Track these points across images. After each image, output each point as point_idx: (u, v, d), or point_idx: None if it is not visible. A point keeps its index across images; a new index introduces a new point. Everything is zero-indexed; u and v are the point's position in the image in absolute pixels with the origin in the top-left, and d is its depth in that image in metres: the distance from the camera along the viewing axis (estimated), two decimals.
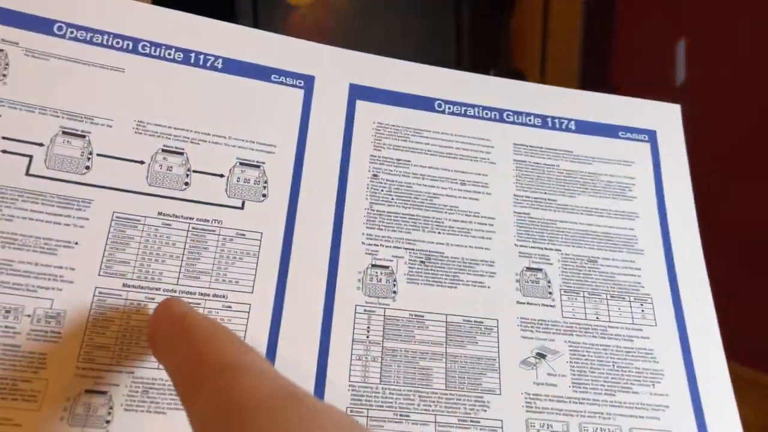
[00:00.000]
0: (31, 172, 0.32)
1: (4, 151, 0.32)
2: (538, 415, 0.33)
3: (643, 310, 0.37)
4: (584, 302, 0.36)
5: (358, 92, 0.39)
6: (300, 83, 0.38)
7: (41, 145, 0.33)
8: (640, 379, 0.35)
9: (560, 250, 0.38)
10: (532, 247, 0.37)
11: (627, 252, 0.38)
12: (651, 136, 0.42)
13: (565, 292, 0.36)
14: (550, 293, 0.36)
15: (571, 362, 0.34)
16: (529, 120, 0.41)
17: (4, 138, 0.32)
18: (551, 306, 0.36)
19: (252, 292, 0.33)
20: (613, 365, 0.35)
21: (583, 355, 0.35)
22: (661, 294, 0.37)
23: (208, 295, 0.33)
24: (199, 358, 0.24)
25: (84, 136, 0.34)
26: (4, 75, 0.33)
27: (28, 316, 0.30)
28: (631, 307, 0.37)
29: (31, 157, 0.33)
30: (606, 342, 0.35)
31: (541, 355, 0.34)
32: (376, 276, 0.35)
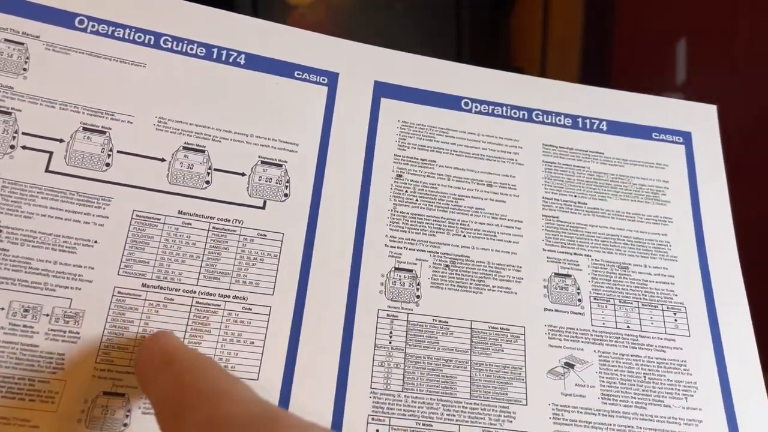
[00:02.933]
0: (50, 168, 0.32)
1: (24, 147, 0.32)
2: (566, 427, 0.32)
3: (676, 320, 0.35)
4: (615, 310, 0.35)
5: (382, 90, 0.38)
6: (324, 80, 0.37)
7: (61, 141, 0.33)
8: (672, 391, 0.33)
9: (590, 256, 0.36)
10: (560, 251, 0.36)
11: (660, 258, 0.37)
12: (686, 138, 0.41)
13: (594, 299, 0.35)
14: (580, 300, 0.35)
15: (600, 373, 0.33)
16: (559, 120, 0.40)
17: (24, 134, 0.32)
18: (580, 314, 0.35)
19: (273, 294, 0.33)
20: (645, 377, 0.33)
21: (613, 366, 0.34)
22: (695, 303, 0.36)
23: (228, 296, 0.32)
24: (181, 390, 0.25)
25: (104, 132, 0.33)
26: (25, 69, 0.33)
27: (47, 315, 0.30)
28: (663, 316, 0.35)
29: (51, 153, 0.32)
30: (637, 352, 0.34)
31: (569, 365, 0.33)
32: (400, 279, 0.34)
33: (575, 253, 0.36)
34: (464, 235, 0.36)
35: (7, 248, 0.30)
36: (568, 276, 0.36)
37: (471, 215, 0.36)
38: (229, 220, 0.34)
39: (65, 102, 0.33)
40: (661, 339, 0.35)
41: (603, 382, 0.33)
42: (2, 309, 0.29)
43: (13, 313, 0.30)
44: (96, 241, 0.32)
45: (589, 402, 0.32)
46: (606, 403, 0.33)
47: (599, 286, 0.36)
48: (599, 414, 0.32)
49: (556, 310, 0.35)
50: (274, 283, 0.33)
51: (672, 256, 0.37)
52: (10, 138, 0.32)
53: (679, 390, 0.33)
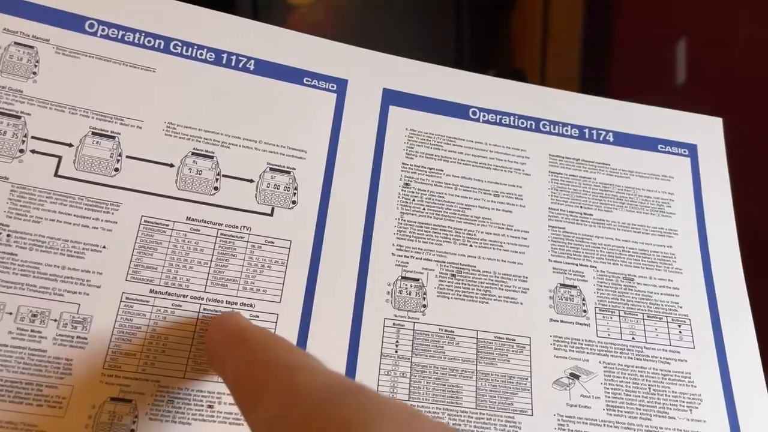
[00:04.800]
0: (59, 173, 0.32)
1: (33, 151, 0.32)
2: None
3: (680, 332, 0.35)
4: (620, 321, 0.35)
5: (391, 97, 0.38)
6: (333, 87, 0.37)
7: (70, 145, 0.32)
8: (677, 403, 0.34)
9: (596, 267, 0.36)
10: (566, 262, 0.36)
11: (665, 270, 0.37)
12: (691, 150, 0.41)
13: (600, 310, 0.35)
14: (585, 311, 0.35)
15: (605, 384, 0.33)
16: (566, 130, 0.40)
17: (33, 137, 0.32)
18: (586, 324, 0.35)
19: (280, 302, 0.33)
20: (650, 388, 0.34)
21: (618, 377, 0.34)
22: (699, 315, 0.36)
23: (236, 303, 0.32)
24: (258, 364, 0.25)
25: (114, 137, 0.33)
26: (35, 73, 0.33)
27: (55, 320, 0.30)
28: (668, 327, 0.35)
29: (60, 157, 0.32)
30: (642, 364, 0.34)
31: (574, 376, 0.33)
32: (406, 289, 0.34)
33: (581, 264, 0.36)
34: (471, 245, 0.36)
35: (16, 252, 0.30)
36: (574, 287, 0.36)
37: (477, 225, 0.36)
38: (237, 227, 0.34)
39: (75, 106, 0.33)
40: (666, 351, 0.35)
41: (608, 393, 0.33)
42: (10, 314, 0.29)
43: (21, 318, 0.29)
44: (104, 247, 0.31)
45: (594, 413, 0.33)
46: (611, 414, 0.33)
47: (605, 298, 0.36)
48: (604, 425, 0.32)
49: (562, 321, 0.35)
50: (282, 290, 0.33)
51: (677, 268, 0.37)
52: (19, 142, 0.32)
53: (683, 402, 0.34)
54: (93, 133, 0.33)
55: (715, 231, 0.39)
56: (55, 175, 0.32)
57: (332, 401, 0.20)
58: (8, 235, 0.30)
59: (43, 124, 0.32)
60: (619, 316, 0.35)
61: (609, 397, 0.33)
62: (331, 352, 0.32)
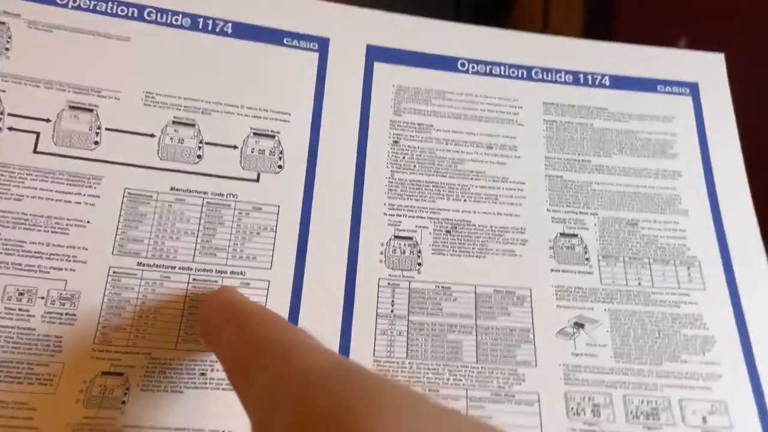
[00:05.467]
0: (39, 149, 0.31)
1: (11, 128, 0.31)
2: (578, 387, 0.31)
3: (689, 274, 0.34)
4: (625, 268, 0.34)
5: (375, 53, 0.37)
6: (314, 46, 0.36)
7: (48, 120, 0.32)
8: (688, 347, 0.32)
9: (597, 214, 0.35)
10: (566, 211, 0.35)
11: (670, 213, 0.36)
12: (692, 89, 0.39)
13: (603, 257, 0.34)
14: (587, 259, 0.34)
15: (611, 331, 0.32)
16: (560, 77, 0.38)
17: (9, 114, 0.31)
18: (588, 273, 0.34)
19: (270, 268, 0.32)
20: (659, 333, 0.32)
21: (625, 324, 0.32)
22: (709, 256, 0.35)
23: (225, 272, 0.32)
24: (252, 340, 0.24)
25: (91, 110, 0.33)
26: (7, 49, 0.32)
27: (42, 298, 0.29)
28: (676, 271, 0.34)
29: (38, 133, 0.32)
30: (650, 309, 0.33)
31: (579, 325, 0.32)
32: (400, 248, 0.33)
33: (581, 212, 0.35)
34: (465, 200, 0.35)
35: None
36: (575, 235, 0.34)
37: (471, 179, 0.35)
38: (223, 195, 0.33)
39: (50, 81, 0.32)
40: (675, 294, 0.33)
41: (615, 340, 0.32)
42: None
43: (8, 297, 0.29)
44: (88, 221, 0.31)
45: (601, 361, 0.31)
46: (619, 362, 0.31)
47: (607, 244, 0.34)
48: (612, 373, 0.31)
49: (563, 271, 0.34)
50: (272, 257, 0.32)
51: (683, 210, 0.36)
52: None
53: (696, 345, 0.32)
54: (70, 107, 0.32)
55: (722, 170, 0.37)
56: (34, 151, 0.31)
57: (330, 382, 0.18)
58: None
59: (19, 100, 0.32)
60: (624, 262, 0.34)
61: (616, 344, 0.32)
62: (325, 315, 0.31)
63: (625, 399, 0.31)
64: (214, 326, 0.27)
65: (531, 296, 0.33)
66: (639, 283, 0.34)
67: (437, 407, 0.17)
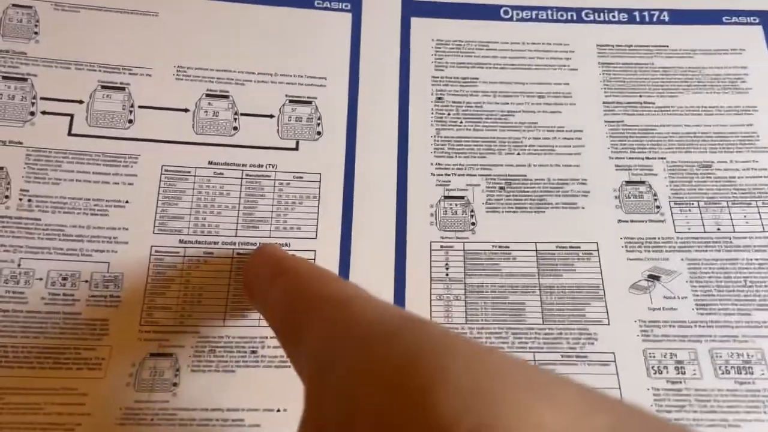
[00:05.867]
0: (73, 131, 0.31)
1: (44, 112, 0.31)
2: (658, 344, 0.28)
3: None
4: (701, 213, 0.31)
5: (411, 8, 0.35)
6: (347, 6, 0.35)
7: (81, 102, 0.31)
8: None
9: (665, 158, 0.32)
10: (630, 158, 0.32)
11: (747, 151, 0.32)
12: (762, 18, 0.35)
13: (675, 204, 0.31)
14: (658, 207, 0.31)
15: (691, 282, 0.29)
16: (613, 16, 0.35)
17: (42, 98, 0.31)
18: (661, 221, 0.31)
19: (316, 238, 0.30)
20: (745, 281, 0.29)
21: (706, 273, 0.29)
22: None
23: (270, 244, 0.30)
24: (302, 295, 0.22)
25: (123, 89, 0.32)
26: (36, 33, 0.32)
27: (86, 281, 0.29)
28: (759, 212, 0.31)
29: (72, 116, 0.31)
30: (732, 256, 0.30)
31: (654, 277, 0.29)
32: (451, 208, 0.31)
33: (647, 158, 0.32)
34: (518, 153, 0.32)
35: (39, 217, 0.29)
36: (642, 183, 0.32)
37: (524, 131, 0.33)
38: (262, 166, 0.31)
39: (80, 62, 0.32)
40: (760, 238, 0.30)
41: (696, 291, 0.29)
42: (40, 279, 0.28)
43: (52, 283, 0.28)
44: (127, 201, 0.30)
45: (682, 314, 0.28)
46: (702, 314, 0.28)
47: (679, 190, 0.31)
48: (695, 326, 0.28)
49: (632, 221, 0.31)
50: (317, 226, 0.31)
51: (762, 147, 0.32)
52: (29, 105, 0.31)
53: None
54: (102, 87, 0.32)
55: None
56: (69, 134, 0.31)
57: (393, 333, 0.16)
58: (29, 200, 0.29)
59: (50, 83, 0.31)
60: (699, 207, 0.31)
61: (698, 295, 0.29)
62: (376, 284, 0.29)
63: (711, 353, 0.28)
64: (260, 283, 0.25)
65: (598, 250, 0.30)
66: (718, 229, 0.30)
67: (508, 356, 0.15)
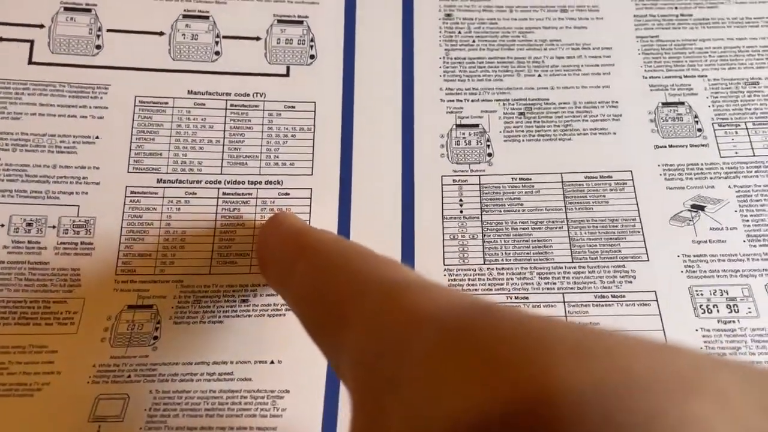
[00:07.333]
0: (34, 59, 0.27)
1: (1, 39, 0.27)
2: (705, 280, 0.24)
3: None
4: (749, 135, 0.27)
5: None
6: None
7: (41, 26, 0.28)
8: None
9: (706, 76, 0.28)
10: (666, 76, 0.28)
11: None
12: None
13: (720, 125, 0.27)
14: (700, 130, 0.27)
15: (741, 210, 0.26)
16: None
17: None
18: (703, 145, 0.27)
19: (312, 174, 0.27)
20: None
21: (758, 201, 0.26)
22: None
23: (260, 182, 0.27)
24: (336, 278, 0.18)
25: (89, 10, 0.28)
26: None
27: (53, 227, 0.25)
28: None
29: (32, 42, 0.27)
30: None
31: (698, 207, 0.26)
32: (464, 138, 0.27)
33: (686, 76, 0.28)
34: (539, 75, 0.29)
35: None
36: (681, 103, 0.28)
37: (545, 50, 0.29)
38: (248, 95, 0.28)
39: None
40: None
41: (747, 221, 0.26)
42: (2, 225, 0.25)
43: (15, 229, 0.25)
44: (97, 137, 0.27)
45: (731, 247, 0.25)
46: (756, 246, 0.25)
47: (724, 110, 0.28)
48: (748, 259, 0.25)
49: (671, 146, 0.27)
50: (312, 161, 0.27)
51: None
52: None
53: None
54: (65, 9, 0.28)
55: None
56: (29, 62, 0.27)
57: (471, 324, 0.12)
58: None
59: (7, 6, 0.28)
60: (747, 128, 0.27)
61: (749, 225, 0.25)
62: (381, 223, 0.26)
63: None
64: (281, 260, 0.21)
65: (633, 179, 0.26)
66: None
67: (617, 334, 0.11)
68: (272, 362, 0.24)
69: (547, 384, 0.10)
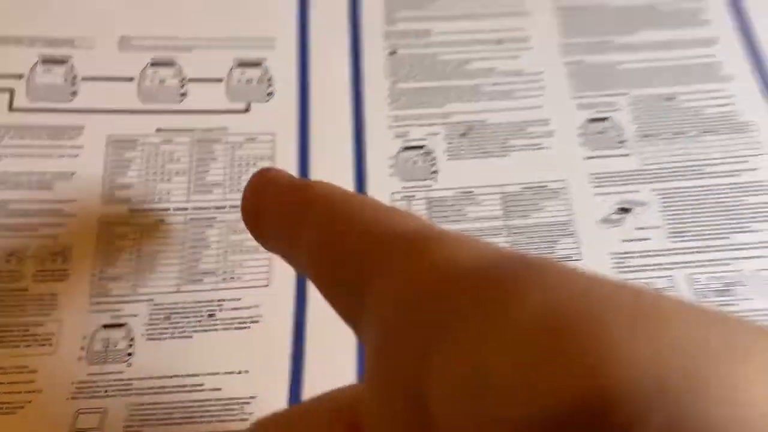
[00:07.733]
0: (14, 106, 0.30)
1: None
2: (634, 274, 0.27)
3: (745, 141, 0.30)
4: (669, 144, 0.30)
5: None
6: None
7: (20, 76, 0.30)
8: (756, 215, 0.28)
9: (628, 93, 0.31)
10: (592, 96, 0.31)
11: (712, 81, 0.31)
12: None
13: (643, 136, 0.30)
14: (623, 141, 0.30)
15: (664, 211, 0.28)
16: None
17: None
18: (626, 155, 0.30)
19: None
20: (720, 205, 0.28)
21: (679, 201, 0.28)
22: (764, 119, 0.30)
23: (224, 207, 0.29)
24: (351, 232, 0.16)
25: (65, 61, 0.31)
26: None
27: (32, 257, 0.27)
28: (728, 139, 0.30)
29: (12, 90, 0.30)
30: (705, 183, 0.29)
31: (624, 210, 0.28)
32: (411, 159, 0.30)
33: (609, 94, 0.31)
34: (477, 100, 0.31)
35: None
36: (605, 119, 0.31)
37: (481, 78, 0.32)
38: (212, 130, 0.30)
39: (19, 36, 0.31)
40: (731, 163, 0.29)
41: (669, 220, 0.28)
42: None
43: None
44: (73, 173, 0.29)
45: (656, 243, 0.27)
46: (677, 241, 0.27)
47: (645, 123, 0.30)
48: (671, 253, 0.27)
49: (599, 156, 0.30)
50: None
51: (726, 75, 0.31)
52: None
53: (765, 212, 0.28)
54: (43, 61, 0.31)
55: (764, 28, 0.32)
56: (10, 109, 0.30)
57: (503, 276, 0.12)
58: None
59: None
60: (666, 138, 0.30)
61: (671, 223, 0.28)
62: None
63: (690, 278, 0.26)
64: (287, 214, 0.19)
65: (565, 188, 0.29)
66: (687, 158, 0.29)
67: (668, 298, 0.11)
68: (239, 372, 0.26)
69: (606, 386, 0.09)
